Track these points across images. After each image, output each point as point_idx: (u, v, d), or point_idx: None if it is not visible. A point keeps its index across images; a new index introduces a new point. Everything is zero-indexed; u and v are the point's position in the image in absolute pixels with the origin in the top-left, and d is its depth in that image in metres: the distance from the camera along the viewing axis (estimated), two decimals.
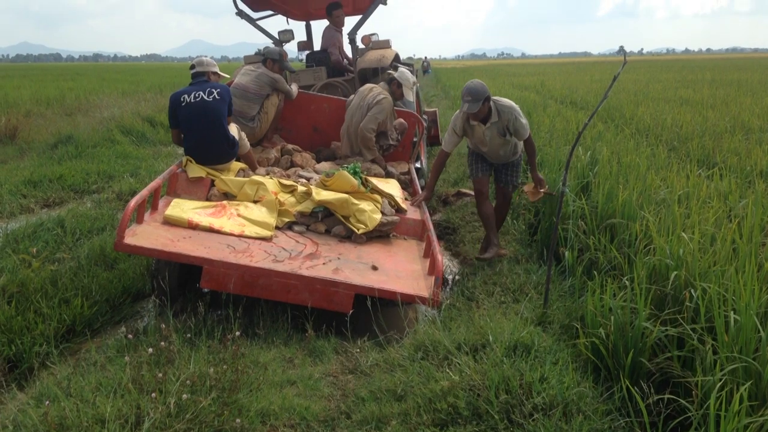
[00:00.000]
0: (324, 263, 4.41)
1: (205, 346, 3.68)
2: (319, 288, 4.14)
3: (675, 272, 3.65)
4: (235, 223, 4.71)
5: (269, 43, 8.33)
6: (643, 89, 20.96)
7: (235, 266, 4.12)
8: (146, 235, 4.28)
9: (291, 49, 9.00)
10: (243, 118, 6.27)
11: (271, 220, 4.84)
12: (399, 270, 4.54)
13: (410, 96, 6.52)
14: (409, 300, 4.18)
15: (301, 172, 5.91)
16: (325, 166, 6.23)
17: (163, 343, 3.48)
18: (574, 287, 4.58)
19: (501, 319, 3.95)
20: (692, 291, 3.47)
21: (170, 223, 4.57)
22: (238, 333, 3.63)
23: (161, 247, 4.15)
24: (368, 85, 6.66)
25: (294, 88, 6.88)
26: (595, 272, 4.58)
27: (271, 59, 6.57)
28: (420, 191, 6.09)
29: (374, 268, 4.48)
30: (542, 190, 5.63)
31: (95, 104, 18.35)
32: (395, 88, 6.47)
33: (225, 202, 5.00)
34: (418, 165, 7.24)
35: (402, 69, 6.61)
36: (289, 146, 6.66)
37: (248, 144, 5.78)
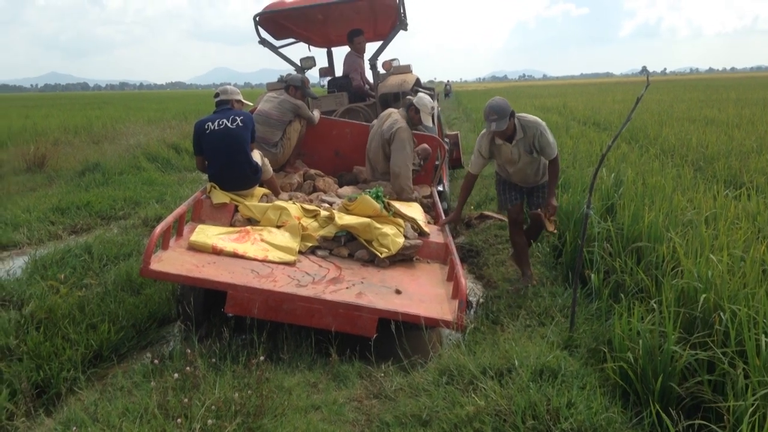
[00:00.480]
0: (347, 287, 4.41)
1: (230, 371, 3.69)
2: (342, 312, 4.14)
3: (704, 295, 3.59)
4: (258, 248, 4.73)
5: (291, 70, 8.44)
6: (667, 109, 20.83)
7: (259, 291, 4.13)
8: (171, 261, 4.32)
9: (313, 75, 9.11)
10: (266, 144, 6.34)
11: (294, 244, 4.87)
12: (422, 294, 4.52)
13: (429, 121, 6.49)
14: (433, 324, 4.16)
15: (324, 197, 5.95)
16: (347, 190, 6.26)
17: (188, 368, 3.49)
18: (600, 310, 4.52)
19: (526, 343, 3.91)
20: (722, 314, 3.42)
21: (195, 248, 4.62)
22: (262, 358, 3.64)
23: (186, 272, 4.19)
24: (388, 111, 6.67)
25: (316, 114, 6.94)
26: (622, 295, 4.53)
27: (294, 86, 6.66)
28: (442, 215, 6.08)
29: (398, 291, 4.47)
30: (549, 219, 5.30)
31: (121, 132, 18.67)
32: (413, 113, 6.45)
33: (249, 227, 5.04)
34: (440, 188, 7.24)
35: (421, 94, 6.59)
36: (312, 171, 6.71)
37: (271, 170, 5.83)
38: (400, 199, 6.18)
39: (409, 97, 6.86)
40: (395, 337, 4.02)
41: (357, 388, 3.79)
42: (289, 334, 4.32)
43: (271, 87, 7.94)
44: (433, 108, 6.54)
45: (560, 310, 4.78)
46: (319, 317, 4.14)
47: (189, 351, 3.70)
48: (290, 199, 5.72)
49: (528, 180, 5.48)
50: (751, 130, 12.56)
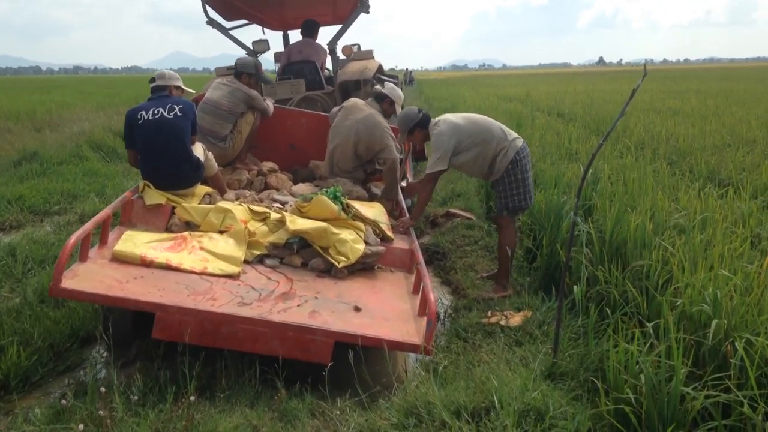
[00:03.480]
0: (299, 305, 3.81)
1: (153, 412, 3.07)
2: (292, 336, 3.54)
3: (715, 321, 3.08)
4: (196, 258, 4.09)
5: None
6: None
7: (193, 312, 3.50)
8: (89, 277, 3.66)
9: (267, 58, 8.41)
10: (213, 137, 5.66)
11: (239, 253, 4.23)
12: (385, 310, 3.95)
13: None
14: (398, 348, 3.61)
15: (276, 196, 5.31)
16: (302, 188, 5.62)
17: (101, 412, 2.87)
18: (585, 327, 4.03)
19: (505, 371, 3.38)
20: (735, 343, 2.92)
21: (120, 259, 3.95)
22: (192, 398, 3.02)
23: (105, 291, 3.53)
24: (354, 102, 5.94)
25: (270, 105, 6.24)
26: (608, 310, 4.05)
27: (246, 73, 5.95)
28: (407, 213, 5.53)
29: (357, 309, 3.89)
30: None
31: (67, 118, 17.60)
32: (387, 106, 5.80)
33: (186, 233, 4.37)
34: (403, 184, 6.68)
35: (390, 84, 5.96)
36: (265, 166, 6.04)
37: (216, 165, 5.18)
38: (389, 196, 5.66)
39: (377, 87, 6.27)
40: (353, 366, 3.44)
41: (307, 429, 3.20)
42: (229, 362, 3.69)
43: (220, 72, 7.25)
44: (402, 99, 5.95)
45: (539, 325, 4.28)
46: (264, 342, 3.53)
47: (103, 389, 3.06)
48: (237, 199, 5.07)
49: (482, 175, 5.24)
50: (718, 123, 12.30)
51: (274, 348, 3.53)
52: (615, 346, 3.16)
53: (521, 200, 5.05)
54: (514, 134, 5.11)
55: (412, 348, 3.57)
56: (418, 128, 5.11)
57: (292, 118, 6.48)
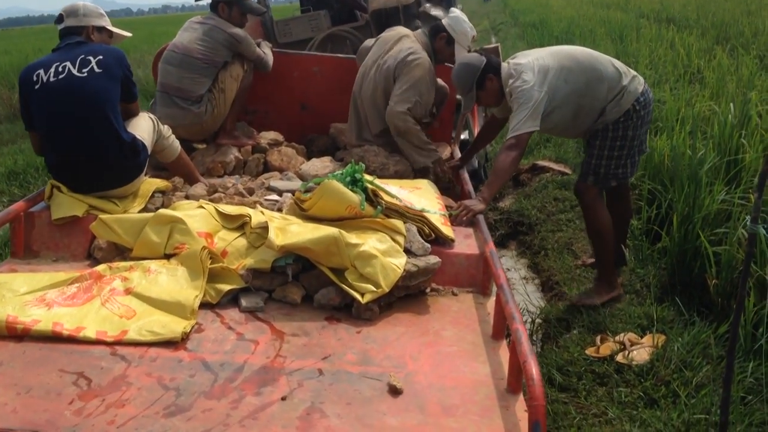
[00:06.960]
0: (284, 397, 2.15)
1: None
2: None
3: None
4: (113, 312, 2.52)
5: None
6: None
7: None
8: None
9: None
10: (183, 99, 4.01)
11: (191, 295, 2.61)
12: (446, 387, 2.21)
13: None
14: None
15: (273, 183, 3.65)
16: (316, 165, 3.93)
17: None
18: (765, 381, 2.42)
19: None
20: None
21: None
22: None
23: None
24: (396, 31, 4.14)
25: (267, 52, 4.45)
26: None
27: (224, 2, 4.19)
28: (471, 190, 3.77)
29: (394, 391, 2.18)
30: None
31: None
32: (442, 44, 3.91)
33: (103, 266, 2.78)
34: (464, 136, 4.87)
35: (457, 13, 4.03)
36: (264, 138, 4.35)
37: (177, 145, 3.53)
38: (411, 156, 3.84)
39: (430, 11, 4.49)
40: None
41: None
42: None
43: None
44: (474, 37, 4.01)
45: (678, 369, 2.63)
46: None
47: None
48: (212, 194, 3.45)
49: (578, 132, 3.75)
50: None
51: None
52: None
53: (617, 167, 3.51)
54: (632, 71, 3.55)
55: None
56: (488, 78, 3.51)
57: (300, 67, 4.65)
